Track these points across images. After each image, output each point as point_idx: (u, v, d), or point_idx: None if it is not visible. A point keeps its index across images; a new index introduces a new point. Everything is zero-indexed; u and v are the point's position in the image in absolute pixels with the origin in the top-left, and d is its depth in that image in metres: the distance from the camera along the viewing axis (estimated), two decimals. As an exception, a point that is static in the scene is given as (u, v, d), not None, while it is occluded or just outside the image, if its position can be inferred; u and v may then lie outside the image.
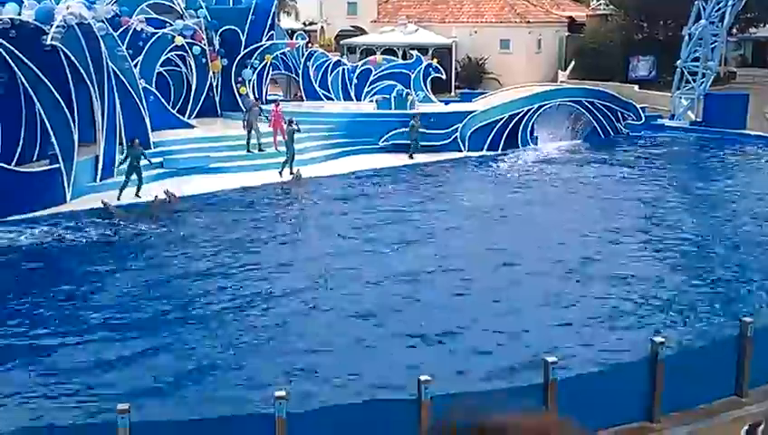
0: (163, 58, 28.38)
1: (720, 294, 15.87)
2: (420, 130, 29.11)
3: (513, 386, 9.71)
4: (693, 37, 34.94)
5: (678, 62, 35.78)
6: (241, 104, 30.44)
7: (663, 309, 14.98)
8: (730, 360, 11.50)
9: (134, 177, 22.77)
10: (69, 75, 21.73)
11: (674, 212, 22.52)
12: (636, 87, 43.93)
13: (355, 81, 34.19)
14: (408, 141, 29.13)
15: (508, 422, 0.87)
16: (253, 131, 26.82)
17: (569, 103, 32.95)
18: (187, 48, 28.94)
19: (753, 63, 57.49)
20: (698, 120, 35.35)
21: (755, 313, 13.60)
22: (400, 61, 37.54)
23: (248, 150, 26.78)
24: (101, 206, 21.34)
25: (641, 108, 35.48)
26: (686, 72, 35.69)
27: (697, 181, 26.90)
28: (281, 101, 32.83)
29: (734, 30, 46.58)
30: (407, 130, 29.27)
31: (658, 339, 11.06)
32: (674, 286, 16.32)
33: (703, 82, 35.39)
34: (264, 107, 29.02)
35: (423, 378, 9.22)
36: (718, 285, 16.44)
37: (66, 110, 21.53)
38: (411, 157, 28.88)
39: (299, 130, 26.07)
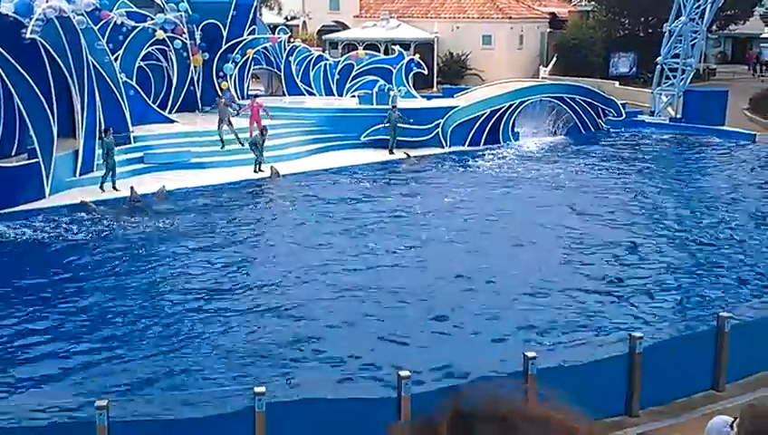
0: (144, 52, 28.23)
1: (698, 289, 16.02)
2: (399, 124, 29.09)
3: (490, 376, 9.73)
4: (673, 34, 35.15)
5: (659, 58, 35.98)
6: (235, 98, 30.35)
7: (641, 303, 15.10)
8: (707, 354, 11.62)
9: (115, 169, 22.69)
10: (48, 69, 21.56)
11: (652, 207, 22.67)
12: (616, 83, 44.18)
13: (337, 76, 34.14)
14: (389, 136, 29.13)
15: (536, 413, 0.86)
16: (226, 127, 26.56)
17: (550, 99, 33.08)
18: (168, 42, 28.81)
19: (732, 60, 58.00)
20: (678, 116, 35.58)
21: (732, 308, 13.73)
22: (382, 56, 37.51)
23: (222, 147, 26.51)
24: (80, 203, 21.19)
25: (622, 104, 35.67)
26: (666, 69, 35.91)
27: (676, 176, 27.09)
28: (261, 95, 32.81)
29: (714, 27, 46.93)
30: (385, 124, 29.26)
31: (636, 334, 11.15)
32: (651, 281, 16.44)
33: (683, 79, 35.62)
34: (242, 102, 28.99)
35: (403, 374, 9.26)
36: (696, 280, 16.59)
37: (45, 104, 21.36)
38: (392, 152, 28.88)
39: (263, 136, 25.96)
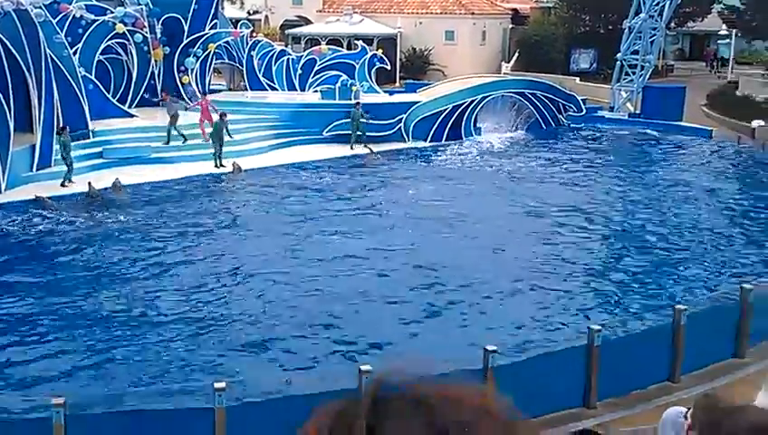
0: (103, 46, 27.89)
1: (654, 282, 16.27)
2: (362, 120, 29.10)
3: (451, 371, 9.81)
4: (632, 31, 35.56)
5: (618, 54, 36.38)
6: (183, 94, 30.10)
7: (599, 296, 15.31)
8: (663, 346, 11.82)
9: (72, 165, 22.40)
10: (5, 62, 21.22)
11: (610, 202, 22.96)
12: (577, 79, 44.55)
13: (299, 71, 34.00)
14: (350, 132, 29.10)
15: (451, 392, 0.88)
16: (176, 123, 26.22)
17: (512, 95, 33.30)
18: (129, 36, 28.48)
19: (690, 57, 58.76)
20: (637, 111, 36.03)
21: (688, 300, 13.97)
22: (345, 51, 37.44)
23: (168, 142, 26.18)
24: (35, 198, 20.90)
25: (582, 100, 36.02)
26: (625, 65, 36.32)
27: (633, 171, 27.44)
28: (223, 90, 32.65)
29: (673, 24, 47.48)
30: (349, 120, 29.25)
31: (594, 326, 11.31)
32: (608, 274, 16.67)
33: (642, 75, 36.06)
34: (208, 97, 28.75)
35: (364, 368, 9.29)
36: (652, 273, 16.84)
37: (1, 98, 21.02)
38: (352, 148, 28.85)
39: (228, 132, 25.82)
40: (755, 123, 33.77)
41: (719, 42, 51.73)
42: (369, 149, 28.71)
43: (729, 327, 12.69)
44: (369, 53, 35.21)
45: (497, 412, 0.88)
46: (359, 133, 29.07)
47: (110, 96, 27.76)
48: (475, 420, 0.86)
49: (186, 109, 27.92)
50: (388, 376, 0.90)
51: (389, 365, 0.92)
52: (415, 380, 0.89)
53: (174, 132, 26.33)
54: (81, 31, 26.94)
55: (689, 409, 4.31)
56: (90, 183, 21.83)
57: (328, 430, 0.88)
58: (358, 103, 29.35)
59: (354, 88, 31.03)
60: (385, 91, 34.72)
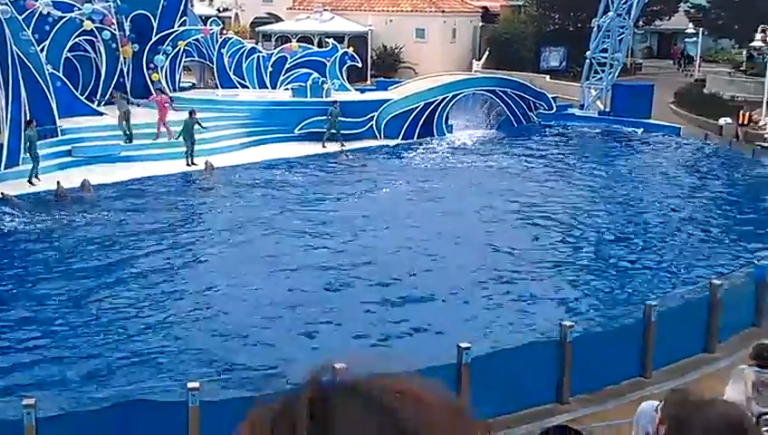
0: (71, 43, 27.55)
1: (626, 279, 16.42)
2: (339, 118, 29.06)
3: (425, 367, 9.82)
4: (601, 29, 35.84)
5: (587, 53, 36.66)
6: (153, 91, 29.83)
7: (571, 294, 15.42)
8: (635, 342, 11.94)
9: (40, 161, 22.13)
10: (-30, 60, 20.91)
11: (582, 198, 23.13)
12: (547, 77, 44.84)
13: (270, 68, 33.83)
14: (325, 129, 29.02)
15: (391, 384, 0.88)
16: (124, 121, 25.88)
17: (483, 92, 33.43)
18: (97, 33, 28.17)
19: (658, 55, 59.42)
20: (606, 109, 36.32)
21: (659, 297, 14.12)
22: (316, 49, 37.32)
23: (131, 140, 25.86)
24: (2, 197, 20.61)
25: (552, 97, 36.24)
26: (594, 63, 36.60)
27: (604, 169, 27.67)
28: (194, 88, 32.45)
29: (641, 22, 47.96)
30: (323, 118, 29.18)
31: (566, 322, 11.39)
32: (580, 271, 16.81)
33: (611, 73, 36.36)
34: (175, 94, 28.48)
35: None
36: (624, 269, 17.00)
37: (-33, 96, 20.73)
38: (324, 145, 28.78)
39: (201, 124, 25.69)
40: (722, 121, 34.22)
41: (686, 40, 52.34)
42: (342, 146, 28.70)
43: (699, 322, 12.85)
44: (340, 51, 35.12)
45: (460, 410, 0.89)
46: (333, 132, 29.01)
47: (78, 94, 27.44)
48: (440, 419, 0.87)
49: (138, 105, 27.56)
50: (325, 371, 0.91)
51: (327, 359, 0.92)
52: (356, 375, 0.90)
53: (124, 130, 25.72)
54: (48, 28, 26.60)
55: (661, 401, 4.36)
56: (58, 182, 21.56)
57: (268, 430, 0.88)
58: (335, 102, 29.31)
59: (325, 86, 30.97)
60: (356, 89, 34.68)
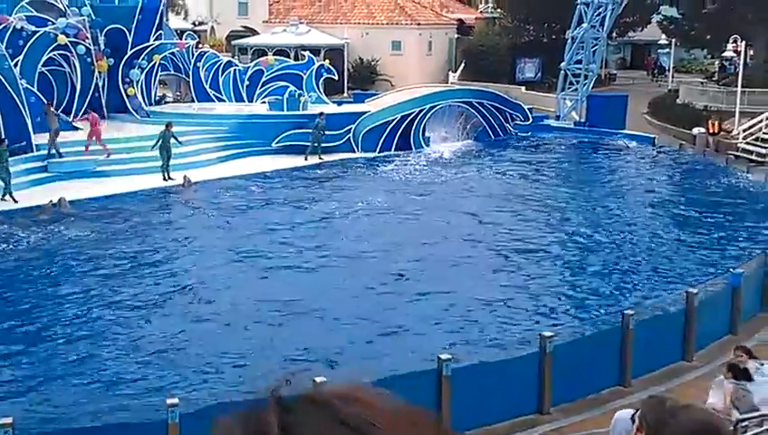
0: (45, 58, 27.34)
1: (603, 288, 16.52)
2: (325, 130, 29.08)
3: (405, 378, 9.83)
4: (575, 40, 36.17)
5: (562, 64, 36.96)
6: (128, 106, 29.70)
7: (549, 304, 15.48)
8: (614, 352, 12.01)
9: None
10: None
11: (559, 209, 23.26)
12: (523, 88, 45.15)
13: (247, 82, 33.82)
14: (309, 142, 28.97)
15: (348, 393, 0.94)
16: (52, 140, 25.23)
17: (459, 104, 33.57)
18: (71, 47, 27.98)
19: (631, 66, 60.05)
20: (582, 120, 36.61)
21: (636, 306, 14.22)
22: (292, 62, 37.37)
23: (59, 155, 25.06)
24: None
25: (528, 109, 36.46)
26: (569, 75, 36.91)
27: (581, 179, 27.87)
28: (170, 102, 32.35)
29: (614, 34, 48.47)
30: (303, 131, 29.14)
31: (546, 333, 11.44)
32: (558, 281, 16.89)
33: (585, 84, 36.68)
34: (152, 108, 28.29)
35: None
36: (601, 279, 17.10)
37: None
38: (306, 158, 28.76)
39: (176, 139, 25.52)
40: (696, 130, 34.59)
41: (659, 51, 52.94)
42: (321, 159, 28.74)
43: (676, 331, 12.95)
44: (317, 64, 35.21)
45: (388, 412, 0.94)
46: (315, 145, 29.00)
47: (53, 109, 27.20)
48: (382, 416, 0.91)
49: (69, 123, 26.95)
50: (283, 384, 0.96)
51: (283, 374, 0.97)
52: (316, 387, 0.95)
53: (50, 148, 24.79)
54: (21, 42, 26.39)
55: (637, 411, 4.39)
56: (54, 200, 21.44)
57: None
58: (322, 114, 29.33)
59: (302, 99, 30.97)
60: (333, 102, 34.73)
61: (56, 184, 23.30)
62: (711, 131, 34.46)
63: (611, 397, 11.57)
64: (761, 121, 33.01)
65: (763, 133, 32.54)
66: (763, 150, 31.09)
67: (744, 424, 7.94)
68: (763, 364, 9.76)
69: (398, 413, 0.93)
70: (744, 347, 10.73)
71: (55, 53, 27.76)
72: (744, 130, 33.12)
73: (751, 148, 31.82)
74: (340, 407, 0.91)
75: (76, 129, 27.19)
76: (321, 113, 29.38)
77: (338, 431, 0.89)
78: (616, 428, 5.67)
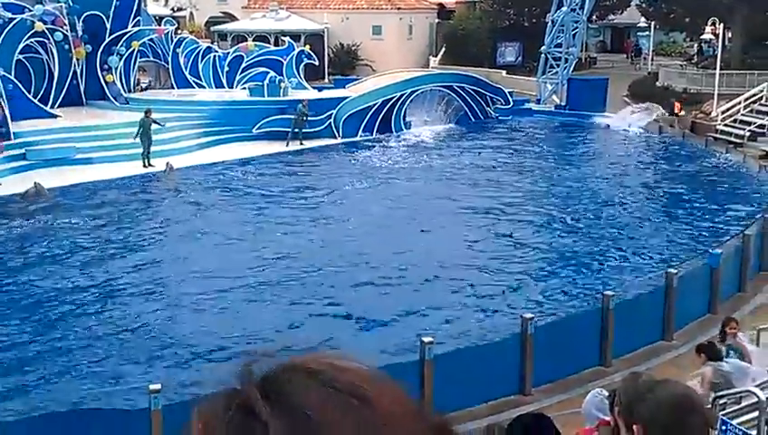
0: (22, 45, 27.09)
1: (583, 269, 16.64)
2: (308, 117, 29.03)
3: (389, 364, 9.88)
4: (555, 24, 36.23)
5: (543, 48, 37.02)
6: (107, 93, 29.51)
7: (530, 285, 15.59)
8: (594, 332, 12.13)
9: None
10: None
11: (540, 189, 23.38)
12: (504, 72, 45.20)
13: (227, 68, 33.65)
14: (289, 129, 28.91)
15: (330, 359, 0.92)
16: None
17: (440, 88, 33.58)
18: (48, 34, 27.72)
19: (611, 49, 60.15)
20: (562, 103, 36.73)
21: (616, 286, 14.34)
22: (272, 47, 37.20)
23: None
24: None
25: (509, 92, 36.54)
26: (549, 58, 36.98)
27: (562, 161, 27.99)
28: (148, 89, 32.19)
29: (594, 17, 48.53)
30: (284, 116, 29.07)
31: (527, 314, 11.53)
32: (539, 263, 17.00)
33: (566, 67, 36.77)
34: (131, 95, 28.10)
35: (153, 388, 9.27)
36: (581, 260, 17.22)
37: None
38: (288, 145, 28.72)
39: (158, 123, 25.42)
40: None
41: (639, 34, 53.08)
42: (302, 144, 28.73)
43: (656, 311, 13.09)
44: (297, 50, 35.07)
45: (366, 377, 0.93)
46: (296, 130, 28.95)
47: (31, 96, 27.00)
48: (370, 382, 0.91)
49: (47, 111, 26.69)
50: (256, 359, 0.94)
51: (258, 349, 0.94)
52: (290, 356, 0.94)
53: None
54: (-2, 30, 26.15)
55: (614, 391, 4.44)
56: (36, 182, 21.27)
57: (225, 420, 0.89)
58: (305, 100, 29.29)
59: (283, 85, 30.86)
60: (313, 87, 34.64)
61: (35, 171, 23.12)
62: (674, 112, 34.85)
63: (592, 377, 11.67)
64: (739, 103, 33.26)
65: (742, 115, 32.79)
66: (741, 132, 31.33)
67: (722, 402, 8.06)
68: (730, 344, 9.94)
69: (383, 380, 0.92)
70: (734, 318, 10.92)
71: (32, 40, 27.51)
72: (723, 112, 33.35)
73: (729, 129, 32.05)
74: (328, 372, 0.89)
75: (55, 116, 27.01)
76: (304, 100, 29.31)
77: (331, 396, 0.87)
78: (586, 408, 5.74)
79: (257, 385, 0.89)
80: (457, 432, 0.95)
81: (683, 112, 34.66)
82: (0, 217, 19.66)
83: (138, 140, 25.00)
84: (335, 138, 30.04)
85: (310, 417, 0.85)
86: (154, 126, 25.32)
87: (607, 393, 4.83)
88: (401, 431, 0.87)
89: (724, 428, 6.42)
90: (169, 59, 32.40)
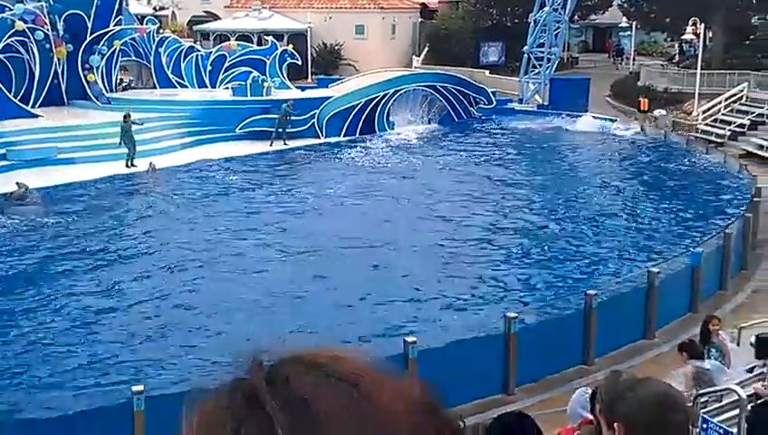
0: (2, 44, 26.89)
1: (565, 268, 16.72)
2: (292, 117, 28.99)
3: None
4: (538, 24, 36.36)
5: (525, 47, 37.14)
6: (89, 92, 29.34)
7: (513, 284, 15.65)
8: (577, 331, 12.20)
9: None
10: None
11: (519, 190, 23.45)
12: (486, 72, 45.30)
13: (209, 67, 33.52)
14: (273, 128, 28.86)
15: (334, 353, 0.93)
16: None
17: (423, 88, 33.61)
18: (29, 33, 27.52)
19: (593, 49, 60.43)
20: (545, 103, 36.84)
21: (598, 285, 14.42)
22: (255, 47, 37.10)
23: None
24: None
25: (492, 92, 36.60)
26: (532, 58, 37.10)
27: (543, 161, 28.10)
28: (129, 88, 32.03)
29: (576, 17, 48.72)
30: (267, 116, 29.00)
31: (511, 314, 11.58)
32: (520, 262, 17.07)
33: (548, 67, 36.90)
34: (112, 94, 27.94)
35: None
36: (562, 260, 17.30)
37: None
38: (271, 144, 28.68)
39: (137, 123, 25.28)
40: (657, 112, 35.03)
41: (620, 34, 53.37)
42: (285, 144, 28.69)
43: (638, 310, 13.18)
44: (280, 49, 34.98)
45: (364, 368, 0.94)
46: (280, 130, 28.91)
47: (11, 96, 26.79)
48: (371, 374, 0.91)
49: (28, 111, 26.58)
50: (262, 352, 0.94)
51: (262, 344, 0.95)
52: (292, 349, 0.94)
53: None
54: (-22, 29, 25.94)
55: (597, 388, 4.47)
56: (18, 182, 21.13)
57: (229, 411, 0.89)
58: (289, 100, 29.26)
59: (266, 84, 30.79)
60: (297, 87, 34.57)
61: (16, 172, 22.93)
62: (642, 109, 35.12)
63: (575, 375, 11.75)
64: (720, 103, 33.51)
65: (722, 115, 33.03)
66: (722, 132, 31.56)
67: (703, 400, 8.12)
68: (713, 342, 10.01)
69: (385, 373, 0.93)
70: (716, 316, 11.00)
71: (13, 39, 27.30)
72: (704, 112, 33.58)
73: (710, 129, 32.28)
74: (331, 364, 0.90)
75: (36, 116, 26.82)
76: (289, 100, 29.29)
77: (335, 387, 0.88)
78: (572, 407, 5.77)
79: (264, 375, 0.90)
80: (459, 425, 0.95)
81: (663, 112, 34.82)
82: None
83: (122, 145, 24.85)
84: (318, 137, 30.00)
85: (311, 408, 0.86)
86: (134, 126, 25.19)
87: (590, 391, 4.85)
88: (401, 424, 0.88)
89: (705, 426, 6.47)
90: (152, 58, 32.23)
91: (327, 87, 34.12)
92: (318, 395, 0.87)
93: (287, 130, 29.10)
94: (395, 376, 0.93)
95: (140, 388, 9.00)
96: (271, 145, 28.65)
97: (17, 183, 21.34)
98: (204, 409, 0.91)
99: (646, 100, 35.67)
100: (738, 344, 11.14)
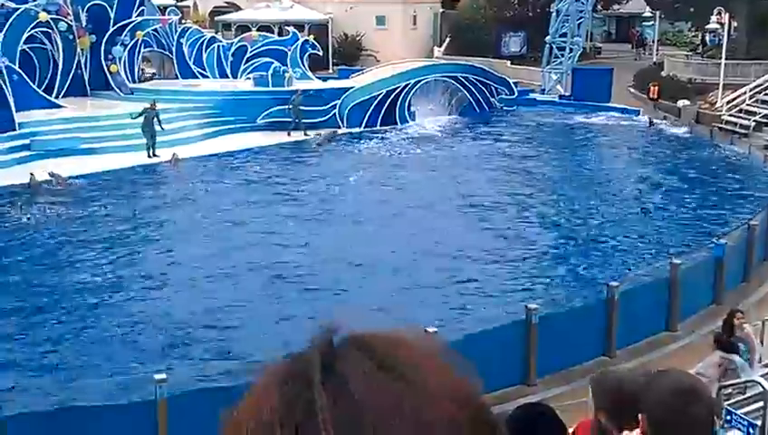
0: (26, 35, 27.08)
1: (589, 260, 16.64)
2: (301, 107, 28.99)
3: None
4: (560, 14, 36.11)
5: (547, 37, 36.90)
6: (112, 83, 29.52)
7: (535, 275, 15.60)
8: (599, 323, 12.14)
9: None
10: None
11: (546, 181, 23.35)
12: (508, 62, 45.07)
13: (231, 58, 33.60)
14: (290, 119, 28.94)
15: (396, 335, 0.91)
16: None
17: (444, 79, 33.49)
18: (53, 24, 27.72)
19: (616, 39, 59.98)
20: (567, 93, 36.61)
21: (621, 277, 14.34)
22: (276, 37, 37.12)
23: None
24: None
25: (514, 83, 36.43)
26: (554, 48, 36.87)
27: (567, 152, 27.95)
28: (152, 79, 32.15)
29: (599, 6, 48.36)
30: (288, 107, 29.06)
31: (532, 305, 11.54)
32: (543, 253, 17.00)
33: (570, 57, 36.66)
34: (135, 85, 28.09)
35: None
36: (586, 251, 17.22)
37: None
38: (289, 134, 28.74)
39: (160, 122, 25.29)
40: (681, 103, 34.69)
41: (644, 24, 52.87)
42: (306, 135, 28.67)
43: (661, 302, 13.09)
44: (301, 40, 34.97)
45: (432, 349, 0.92)
46: (296, 121, 28.95)
47: (35, 86, 27.01)
48: (425, 361, 0.89)
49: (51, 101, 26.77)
50: (332, 329, 0.92)
51: (334, 317, 0.93)
52: (364, 330, 0.92)
53: None
54: (2, 20, 26.13)
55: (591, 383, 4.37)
56: (51, 172, 21.39)
57: (280, 396, 0.86)
58: (298, 91, 29.27)
59: (287, 75, 30.82)
60: (318, 78, 34.58)
61: (41, 162, 23.12)
62: (651, 96, 34.75)
63: (596, 368, 11.67)
64: (744, 93, 33.13)
65: (747, 105, 32.66)
66: (747, 122, 31.23)
67: (727, 392, 8.06)
68: (739, 337, 9.91)
69: (437, 361, 0.90)
70: (740, 310, 10.88)
71: (37, 30, 27.51)
72: (728, 102, 33.23)
73: (734, 120, 31.94)
74: (381, 351, 0.88)
75: (60, 106, 27.03)
76: (298, 90, 29.31)
77: (378, 377, 0.86)
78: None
79: (320, 355, 0.88)
80: (496, 422, 0.93)
81: (687, 102, 34.48)
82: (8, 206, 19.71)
83: (137, 121, 24.80)
84: (339, 128, 30.01)
85: (354, 397, 0.84)
86: (156, 121, 25.21)
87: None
88: (441, 418, 0.86)
89: (728, 418, 6.43)
90: (173, 49, 32.38)
91: (348, 78, 34.09)
92: (362, 384, 0.85)
93: (308, 121, 29.09)
94: (446, 364, 0.91)
95: (163, 377, 9.06)
96: (289, 135, 28.70)
97: (50, 173, 21.55)
98: (264, 378, 0.89)
99: (656, 87, 35.23)
100: (762, 337, 11.05)
